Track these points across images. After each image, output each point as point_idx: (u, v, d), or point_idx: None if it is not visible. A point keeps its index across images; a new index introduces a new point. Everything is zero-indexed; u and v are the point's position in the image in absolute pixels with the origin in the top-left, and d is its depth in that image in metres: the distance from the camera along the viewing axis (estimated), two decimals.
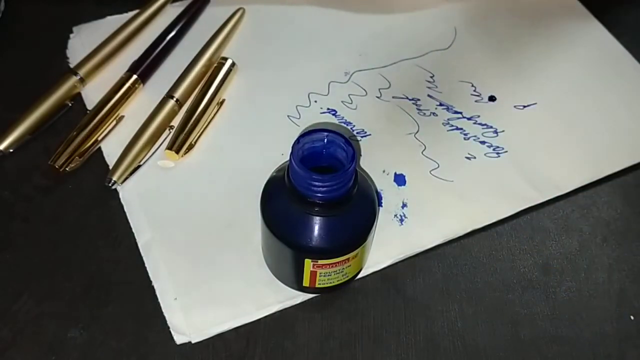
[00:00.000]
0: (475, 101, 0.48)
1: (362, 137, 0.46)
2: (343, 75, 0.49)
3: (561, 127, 0.47)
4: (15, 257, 0.39)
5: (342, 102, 0.48)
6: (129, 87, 0.46)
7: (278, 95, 0.48)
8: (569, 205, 0.44)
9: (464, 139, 0.46)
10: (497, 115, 0.47)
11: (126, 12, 0.51)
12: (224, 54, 0.49)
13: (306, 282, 0.37)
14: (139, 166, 0.43)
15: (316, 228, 0.34)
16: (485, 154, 0.45)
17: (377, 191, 0.43)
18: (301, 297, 0.39)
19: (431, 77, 0.49)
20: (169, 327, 0.37)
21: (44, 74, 0.47)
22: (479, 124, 0.47)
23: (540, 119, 0.47)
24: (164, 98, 0.45)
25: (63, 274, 0.39)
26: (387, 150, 0.45)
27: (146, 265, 0.39)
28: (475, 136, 0.46)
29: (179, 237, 0.40)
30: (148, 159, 0.44)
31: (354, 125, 0.46)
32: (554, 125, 0.47)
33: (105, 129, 0.45)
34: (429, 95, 0.48)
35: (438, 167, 0.44)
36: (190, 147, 0.44)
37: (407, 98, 0.48)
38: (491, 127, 0.47)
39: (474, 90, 0.49)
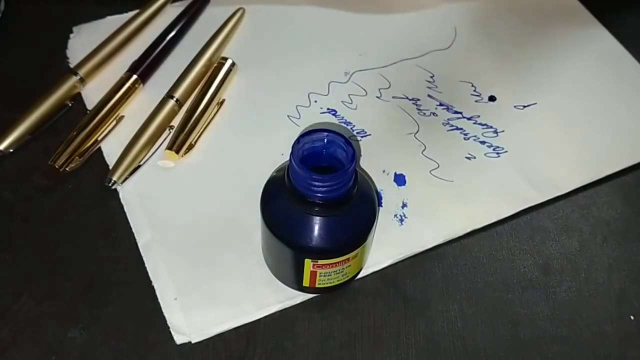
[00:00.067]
0: (475, 101, 0.48)
1: (362, 137, 0.46)
2: (343, 75, 0.49)
3: (561, 127, 0.47)
4: (15, 257, 0.39)
5: (342, 102, 0.48)
6: (129, 87, 0.46)
7: (278, 95, 0.48)
8: (569, 205, 0.44)
9: (464, 139, 0.46)
10: (497, 115, 0.47)
11: (126, 12, 0.51)
12: (224, 54, 0.49)
13: (306, 282, 0.37)
14: (139, 166, 0.43)
15: (316, 228, 0.34)
16: (485, 154, 0.45)
17: (377, 191, 0.43)
18: (301, 297, 0.39)
19: (431, 77, 0.49)
20: (169, 327, 0.37)
21: (44, 74, 0.47)
22: (479, 124, 0.47)
23: (540, 119, 0.47)
24: (164, 98, 0.45)
25: (63, 274, 0.39)
26: (387, 150, 0.45)
27: (146, 265, 0.39)
28: (475, 136, 0.46)
29: (179, 237, 0.40)
30: (148, 159, 0.44)
31: (354, 125, 0.46)
32: (554, 125, 0.47)
33: (105, 129, 0.45)
34: (429, 95, 0.48)
35: (438, 167, 0.44)
36: (190, 147, 0.44)
37: (407, 98, 0.48)
38: (491, 127, 0.47)
39: (474, 90, 0.49)
